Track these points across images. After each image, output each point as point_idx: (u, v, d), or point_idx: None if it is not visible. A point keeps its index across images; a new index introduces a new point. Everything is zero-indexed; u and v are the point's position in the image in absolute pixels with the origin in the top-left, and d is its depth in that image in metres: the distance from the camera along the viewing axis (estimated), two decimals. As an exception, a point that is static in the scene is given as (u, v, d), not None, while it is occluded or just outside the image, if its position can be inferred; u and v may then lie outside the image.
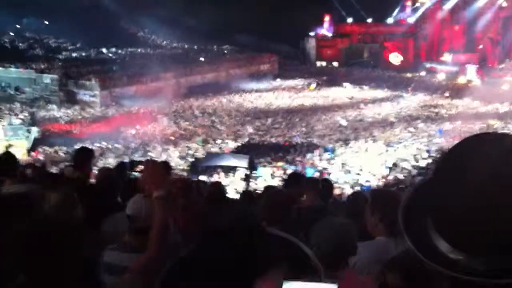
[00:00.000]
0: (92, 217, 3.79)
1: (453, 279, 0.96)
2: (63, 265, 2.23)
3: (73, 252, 2.32)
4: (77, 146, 20.15)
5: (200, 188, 6.66)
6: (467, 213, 0.95)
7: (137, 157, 26.30)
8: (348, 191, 19.92)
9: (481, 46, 51.39)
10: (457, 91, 43.42)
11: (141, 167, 6.08)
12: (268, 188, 9.27)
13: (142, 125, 33.13)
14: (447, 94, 43.17)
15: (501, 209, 0.93)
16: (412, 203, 1.08)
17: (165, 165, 8.12)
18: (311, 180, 6.89)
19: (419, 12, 54.97)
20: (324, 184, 6.69)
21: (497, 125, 33.20)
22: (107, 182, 5.43)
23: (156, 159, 23.67)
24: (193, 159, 26.31)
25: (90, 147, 26.81)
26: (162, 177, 2.95)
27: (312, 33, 59.25)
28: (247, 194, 8.75)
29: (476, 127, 32.88)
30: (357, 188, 20.45)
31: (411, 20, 54.91)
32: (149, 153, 27.18)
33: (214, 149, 28.45)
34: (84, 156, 6.22)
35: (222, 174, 22.94)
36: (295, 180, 6.57)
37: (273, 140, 30.74)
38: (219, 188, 6.27)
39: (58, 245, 2.26)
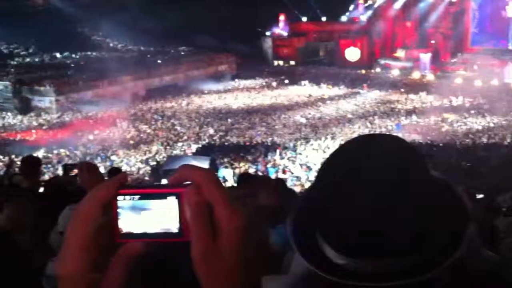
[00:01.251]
0: (42, 226, 3.74)
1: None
2: (12, 277, 2.23)
3: (23, 263, 2.32)
4: (35, 154, 19.79)
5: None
6: (348, 215, 0.93)
7: (96, 162, 26.02)
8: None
9: (433, 42, 52.65)
10: (412, 86, 44.46)
11: (76, 171, 6.04)
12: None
13: (101, 130, 32.70)
14: (402, 89, 44.14)
15: (382, 210, 0.92)
16: (301, 209, 1.03)
17: (114, 170, 7.95)
18: (263, 179, 6.87)
19: (372, 10, 55.91)
20: (277, 183, 6.59)
21: (452, 118, 34.19)
22: (55, 190, 5.40)
23: (104, 164, 23.48)
24: (154, 163, 26.14)
25: (48, 154, 26.45)
26: (99, 181, 2.87)
27: (268, 33, 59.55)
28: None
29: (432, 121, 33.82)
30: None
31: (364, 17, 55.78)
32: (111, 158, 26.93)
33: (176, 152, 28.34)
34: (31, 165, 6.18)
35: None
36: (247, 180, 6.56)
37: (234, 140, 30.86)
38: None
39: (7, 257, 2.26)
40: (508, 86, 41.01)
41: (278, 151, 27.08)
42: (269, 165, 24.99)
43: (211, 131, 32.86)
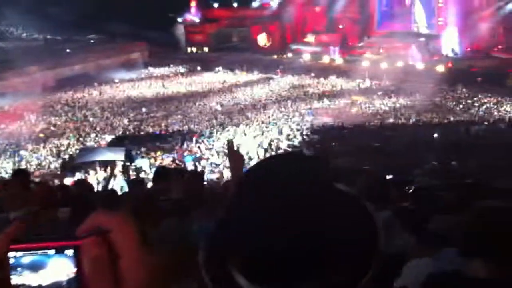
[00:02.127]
0: None
1: None
2: None
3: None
4: None
5: (67, 193, 6.28)
6: (259, 242, 0.90)
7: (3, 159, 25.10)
8: (229, 175, 20.50)
9: (341, 26, 54.14)
10: (323, 71, 45.64)
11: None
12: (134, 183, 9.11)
13: (8, 124, 31.32)
14: (313, 74, 45.23)
15: (294, 234, 0.90)
16: (212, 237, 1.00)
17: (22, 174, 7.29)
18: (177, 172, 6.88)
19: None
20: (191, 175, 6.57)
21: (361, 100, 35.56)
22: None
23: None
24: (66, 156, 25.42)
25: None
26: (19, 195, 2.77)
27: (180, 19, 58.89)
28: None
29: (342, 104, 35.07)
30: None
31: (275, 3, 56.36)
32: (19, 153, 25.90)
33: (89, 144, 27.64)
34: None
35: (98, 169, 22.36)
36: (162, 175, 6.55)
37: (150, 129, 30.55)
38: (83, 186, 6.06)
39: None
40: (412, 68, 43.05)
41: (194, 138, 27.14)
42: (185, 153, 25.00)
43: (125, 121, 32.33)
